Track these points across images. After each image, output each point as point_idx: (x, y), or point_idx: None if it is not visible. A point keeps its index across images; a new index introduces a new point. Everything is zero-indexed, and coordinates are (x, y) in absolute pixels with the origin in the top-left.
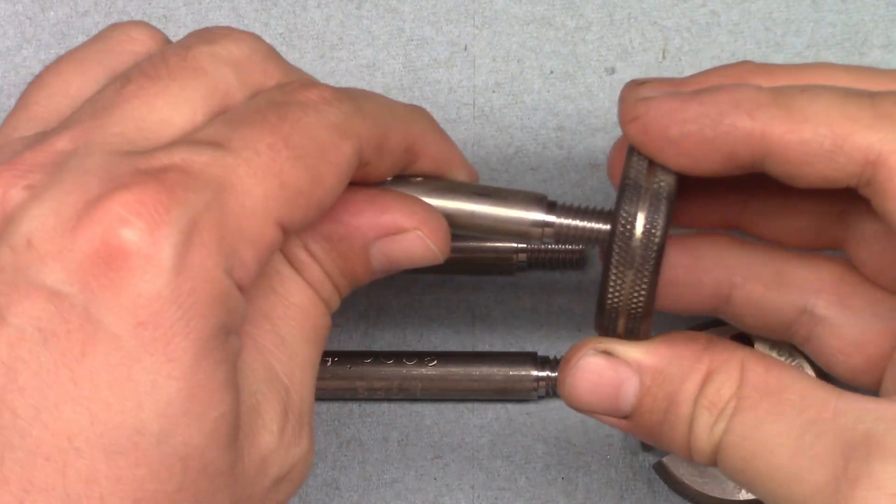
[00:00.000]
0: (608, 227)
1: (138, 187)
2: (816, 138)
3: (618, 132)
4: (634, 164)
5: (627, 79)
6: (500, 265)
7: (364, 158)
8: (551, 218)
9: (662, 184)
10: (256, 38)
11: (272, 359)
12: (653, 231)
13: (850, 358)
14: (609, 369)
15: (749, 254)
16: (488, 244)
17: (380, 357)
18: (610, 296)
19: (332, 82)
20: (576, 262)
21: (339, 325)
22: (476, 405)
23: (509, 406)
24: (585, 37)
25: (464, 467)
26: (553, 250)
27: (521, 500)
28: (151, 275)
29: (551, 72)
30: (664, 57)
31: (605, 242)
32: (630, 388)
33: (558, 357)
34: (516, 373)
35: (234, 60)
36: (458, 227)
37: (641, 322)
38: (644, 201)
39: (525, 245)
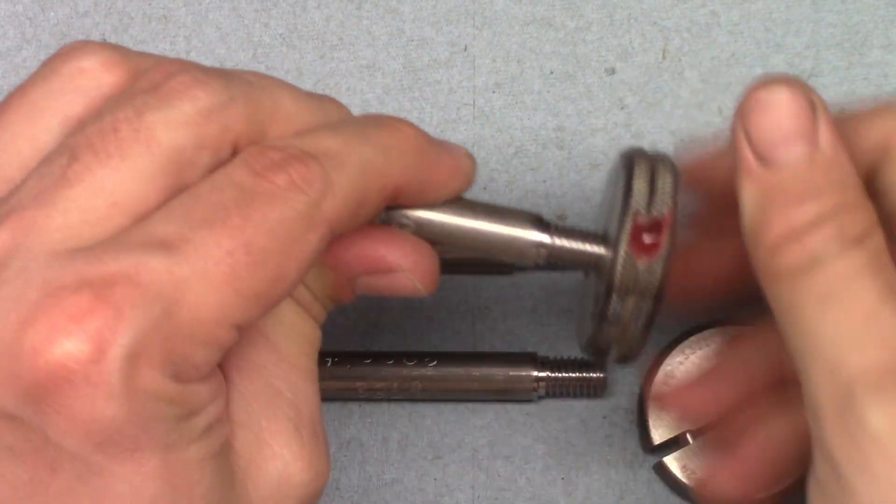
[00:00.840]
0: (602, 251)
1: (83, 303)
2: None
3: (617, 132)
4: (637, 195)
5: (627, 79)
6: (500, 265)
7: (334, 233)
8: (546, 238)
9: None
10: (216, 83)
11: (273, 377)
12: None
13: None
14: (806, 118)
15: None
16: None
17: (380, 357)
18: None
19: (331, 83)
20: None
21: (339, 325)
22: (476, 405)
23: (509, 406)
24: (585, 37)
25: (464, 468)
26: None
27: (520, 500)
28: (102, 400)
29: (551, 72)
30: (664, 57)
31: (598, 266)
32: (803, 147)
33: (558, 358)
34: (516, 373)
35: (193, 122)
36: (446, 243)
37: (639, 348)
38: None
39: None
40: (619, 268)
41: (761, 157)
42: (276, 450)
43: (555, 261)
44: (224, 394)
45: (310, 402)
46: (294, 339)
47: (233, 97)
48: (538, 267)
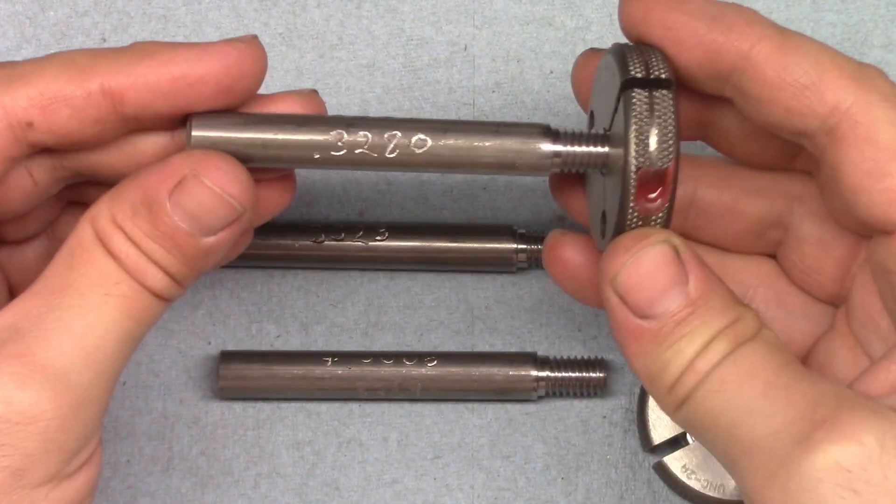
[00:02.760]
0: (606, 149)
1: None
2: (797, 69)
3: None
4: (631, 59)
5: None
6: (500, 265)
7: (20, 119)
8: (559, 147)
9: (664, 75)
10: None
11: (26, 322)
12: (667, 123)
13: (818, 273)
14: (673, 266)
15: (728, 170)
16: (488, 245)
17: (380, 357)
18: (635, 162)
19: (331, 82)
20: None
21: (338, 325)
22: (476, 405)
23: (509, 406)
24: (585, 37)
25: (463, 467)
26: None
27: (520, 500)
28: None
29: (551, 72)
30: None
31: (606, 164)
32: (677, 294)
33: (558, 357)
34: (516, 373)
35: None
36: (462, 166)
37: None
38: (651, 97)
39: (524, 246)
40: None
41: (641, 316)
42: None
43: (568, 167)
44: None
45: (82, 374)
46: (92, 306)
47: None
48: (552, 172)
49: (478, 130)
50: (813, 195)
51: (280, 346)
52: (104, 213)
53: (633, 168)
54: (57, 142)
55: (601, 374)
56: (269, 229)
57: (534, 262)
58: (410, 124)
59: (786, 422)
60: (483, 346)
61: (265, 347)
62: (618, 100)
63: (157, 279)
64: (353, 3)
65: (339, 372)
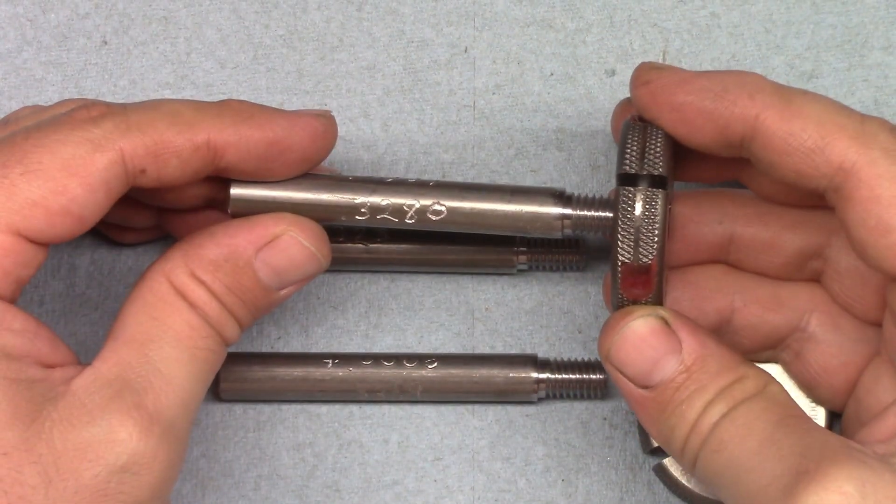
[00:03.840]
0: (612, 215)
1: None
2: (802, 134)
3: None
4: (629, 151)
5: (628, 81)
6: (500, 266)
7: (136, 166)
8: (568, 211)
9: (657, 171)
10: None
11: (131, 373)
12: (653, 218)
13: (833, 378)
14: (662, 336)
15: (746, 279)
16: (490, 246)
17: (380, 359)
18: (621, 256)
19: (332, 84)
20: (575, 264)
21: (339, 328)
22: (476, 407)
23: (509, 408)
24: (586, 39)
25: (464, 469)
26: (553, 251)
27: (521, 501)
28: None
29: (551, 74)
30: (664, 59)
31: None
32: (671, 362)
33: (558, 359)
34: (516, 375)
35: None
36: (477, 229)
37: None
38: (639, 194)
39: (525, 248)
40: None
41: (642, 386)
42: (96, 417)
43: (578, 229)
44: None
45: (168, 397)
46: (173, 350)
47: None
48: (565, 236)
49: (493, 197)
50: None
51: (281, 347)
52: (181, 267)
53: (618, 262)
54: (155, 187)
55: (601, 376)
56: None
57: (534, 264)
58: (428, 192)
59: (774, 476)
60: (483, 348)
61: (266, 349)
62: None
63: (233, 331)
64: (354, 5)
65: (340, 374)
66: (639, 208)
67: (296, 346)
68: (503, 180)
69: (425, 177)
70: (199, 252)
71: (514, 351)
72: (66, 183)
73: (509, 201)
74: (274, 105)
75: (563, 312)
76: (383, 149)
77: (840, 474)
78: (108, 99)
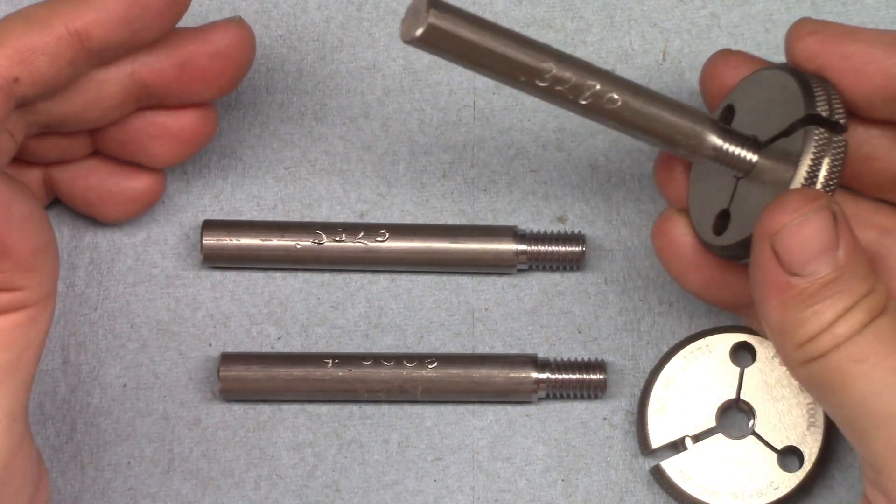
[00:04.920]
0: (756, 157)
1: None
2: None
3: (618, 133)
4: (818, 94)
5: None
6: (501, 265)
7: (7, 78)
8: (720, 142)
9: (843, 120)
10: None
11: None
12: (836, 167)
13: None
14: (830, 231)
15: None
16: (490, 246)
17: (380, 359)
18: None
19: (332, 84)
20: (575, 262)
21: (339, 327)
22: (476, 407)
23: (509, 408)
24: (585, 39)
25: (464, 469)
26: (553, 252)
27: (520, 501)
28: None
29: None
30: (664, 59)
31: (749, 170)
32: (828, 258)
33: (558, 359)
34: (516, 375)
35: None
36: (640, 129)
37: None
38: (832, 141)
39: (525, 247)
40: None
41: (791, 273)
42: None
43: (717, 160)
44: None
45: None
46: None
47: None
48: (707, 158)
49: (661, 105)
50: None
51: (281, 347)
52: None
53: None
54: (38, 92)
55: (601, 376)
56: (270, 229)
57: (535, 264)
58: (610, 80)
59: None
60: (483, 348)
61: (266, 349)
62: (793, 126)
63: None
64: (354, 5)
65: (340, 374)
66: (830, 156)
67: (296, 345)
68: (503, 180)
69: (425, 177)
70: None
71: (514, 351)
72: None
73: (673, 113)
74: (274, 105)
75: (563, 312)
76: (383, 149)
77: None
78: None
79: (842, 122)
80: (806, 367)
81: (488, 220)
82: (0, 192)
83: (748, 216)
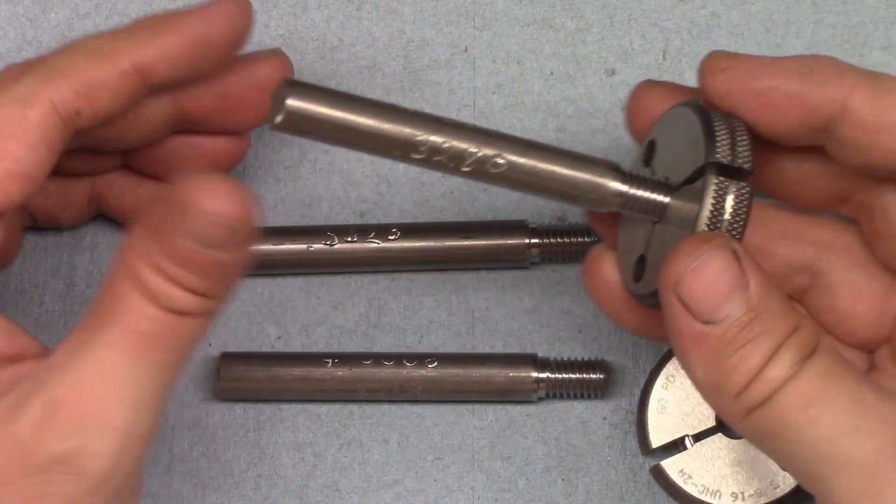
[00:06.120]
0: (668, 200)
1: None
2: (895, 112)
3: (618, 133)
4: (720, 139)
5: (628, 80)
6: (514, 260)
7: (69, 111)
8: (625, 188)
9: (747, 165)
10: None
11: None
12: (740, 214)
13: (850, 319)
14: (735, 270)
15: (759, 210)
16: (501, 241)
17: (380, 359)
18: None
19: (332, 84)
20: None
21: (339, 327)
22: (476, 406)
23: (509, 407)
24: (586, 38)
25: (464, 469)
26: (565, 244)
27: (521, 501)
28: None
29: (551, 73)
30: (664, 58)
31: (663, 214)
32: (739, 299)
33: (558, 359)
34: (517, 374)
35: None
36: (528, 191)
37: None
38: (732, 187)
39: (537, 240)
40: (707, 209)
41: (704, 321)
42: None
43: (628, 207)
44: None
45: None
46: None
47: None
48: (611, 210)
49: (554, 160)
50: (844, 243)
51: (281, 347)
52: (126, 248)
53: None
54: (95, 123)
55: (601, 376)
56: (281, 234)
57: (546, 256)
58: (492, 143)
59: (886, 440)
60: (483, 348)
61: (266, 349)
62: (697, 171)
63: (178, 297)
64: (354, 4)
65: (340, 373)
66: (730, 202)
67: (296, 345)
68: None
69: (425, 177)
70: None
71: (514, 350)
72: (4, 146)
73: (569, 167)
74: None
75: (563, 312)
76: None
77: None
78: None
79: (745, 166)
80: (748, 420)
81: (489, 220)
82: None
83: (661, 263)
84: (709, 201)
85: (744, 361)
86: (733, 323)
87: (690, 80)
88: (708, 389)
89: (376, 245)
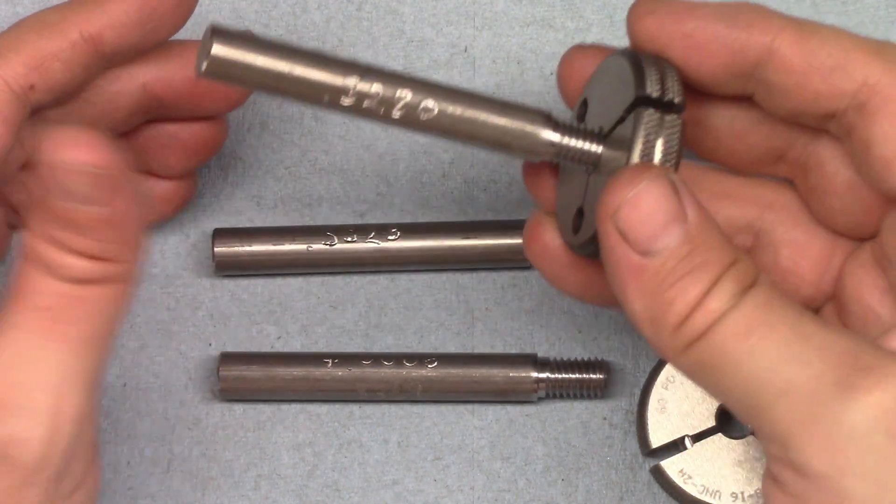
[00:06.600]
0: (601, 149)
1: None
2: (821, 52)
3: None
4: (648, 74)
5: None
6: (514, 260)
7: (22, 85)
8: (557, 137)
9: (678, 99)
10: None
11: None
12: (672, 147)
13: (794, 276)
14: (672, 200)
15: (698, 173)
16: (501, 241)
17: (380, 359)
18: None
19: None
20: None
21: (339, 327)
22: (476, 406)
23: (509, 407)
24: (586, 38)
25: (464, 469)
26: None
27: (520, 501)
28: None
29: (551, 73)
30: None
31: (596, 163)
32: (677, 230)
33: (558, 359)
34: (516, 374)
35: None
36: (460, 138)
37: None
38: (664, 121)
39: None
40: (637, 151)
41: (642, 252)
42: None
43: (560, 158)
44: None
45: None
46: None
47: None
48: (544, 160)
49: (484, 107)
50: (784, 202)
51: (280, 347)
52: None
53: None
54: (52, 98)
55: (601, 376)
56: (281, 234)
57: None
58: (422, 88)
59: (826, 367)
60: (483, 348)
61: (266, 349)
62: (627, 110)
63: (76, 266)
64: (354, 4)
65: (340, 373)
66: (663, 136)
67: (296, 345)
68: (503, 179)
69: (424, 177)
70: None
71: (513, 350)
72: None
73: (500, 114)
74: (274, 105)
75: (563, 312)
76: (383, 148)
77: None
78: None
79: (676, 100)
80: (687, 354)
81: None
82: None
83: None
84: (641, 133)
85: (683, 293)
86: (672, 254)
87: None
88: (646, 323)
89: (376, 245)
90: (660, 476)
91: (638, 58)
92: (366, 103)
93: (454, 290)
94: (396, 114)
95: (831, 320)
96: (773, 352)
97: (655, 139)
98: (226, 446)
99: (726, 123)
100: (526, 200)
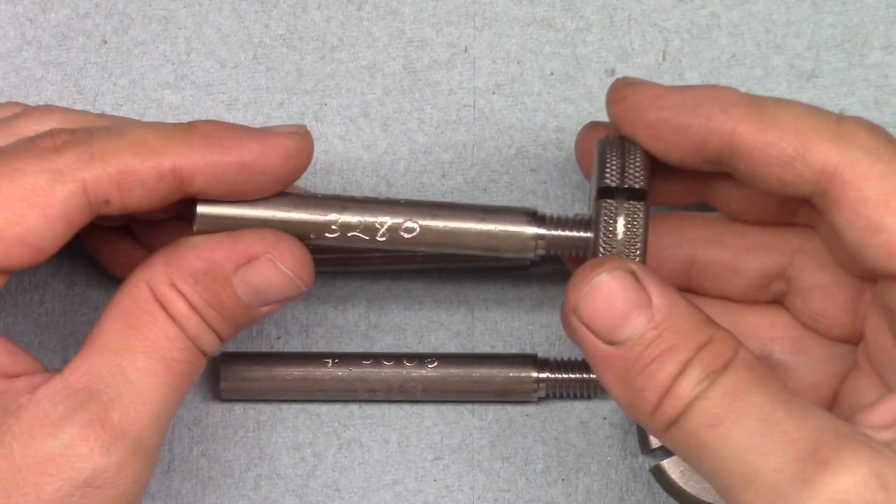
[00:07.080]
0: (590, 235)
1: None
2: (781, 143)
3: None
4: (609, 165)
5: None
6: (514, 260)
7: (98, 196)
8: (542, 231)
9: (638, 185)
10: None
11: (100, 383)
12: (634, 231)
13: (825, 319)
14: (631, 289)
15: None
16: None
17: (380, 359)
18: None
19: (332, 84)
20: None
21: (339, 327)
22: (476, 406)
23: (509, 407)
24: (585, 38)
25: (464, 469)
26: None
27: (521, 501)
28: None
29: (551, 73)
30: (664, 58)
31: (589, 248)
32: (641, 317)
33: (558, 359)
34: (516, 374)
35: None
36: (449, 249)
37: None
38: (621, 208)
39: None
40: (601, 244)
41: (609, 342)
42: (55, 428)
43: (552, 249)
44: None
45: (136, 409)
46: (146, 360)
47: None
48: (538, 257)
49: (465, 216)
50: (811, 246)
51: (281, 347)
52: (162, 276)
53: None
54: (120, 214)
55: None
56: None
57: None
58: (400, 209)
59: (787, 460)
60: (483, 348)
61: (266, 349)
62: (595, 200)
63: (211, 343)
64: (354, 4)
65: (340, 373)
66: (621, 222)
67: (296, 346)
68: (503, 180)
69: (424, 177)
70: (181, 262)
71: (513, 350)
72: (25, 213)
73: (482, 220)
74: (274, 105)
75: None
76: (383, 148)
77: (857, 461)
78: (109, 98)
79: (636, 187)
80: (668, 435)
81: None
82: None
83: None
84: (600, 226)
85: (652, 380)
86: (638, 341)
87: (691, 79)
88: (627, 407)
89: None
90: (660, 476)
91: (604, 145)
92: (350, 234)
93: (454, 291)
94: (381, 238)
95: (863, 360)
96: (739, 442)
97: (614, 229)
98: (226, 446)
99: (732, 188)
100: (526, 200)
